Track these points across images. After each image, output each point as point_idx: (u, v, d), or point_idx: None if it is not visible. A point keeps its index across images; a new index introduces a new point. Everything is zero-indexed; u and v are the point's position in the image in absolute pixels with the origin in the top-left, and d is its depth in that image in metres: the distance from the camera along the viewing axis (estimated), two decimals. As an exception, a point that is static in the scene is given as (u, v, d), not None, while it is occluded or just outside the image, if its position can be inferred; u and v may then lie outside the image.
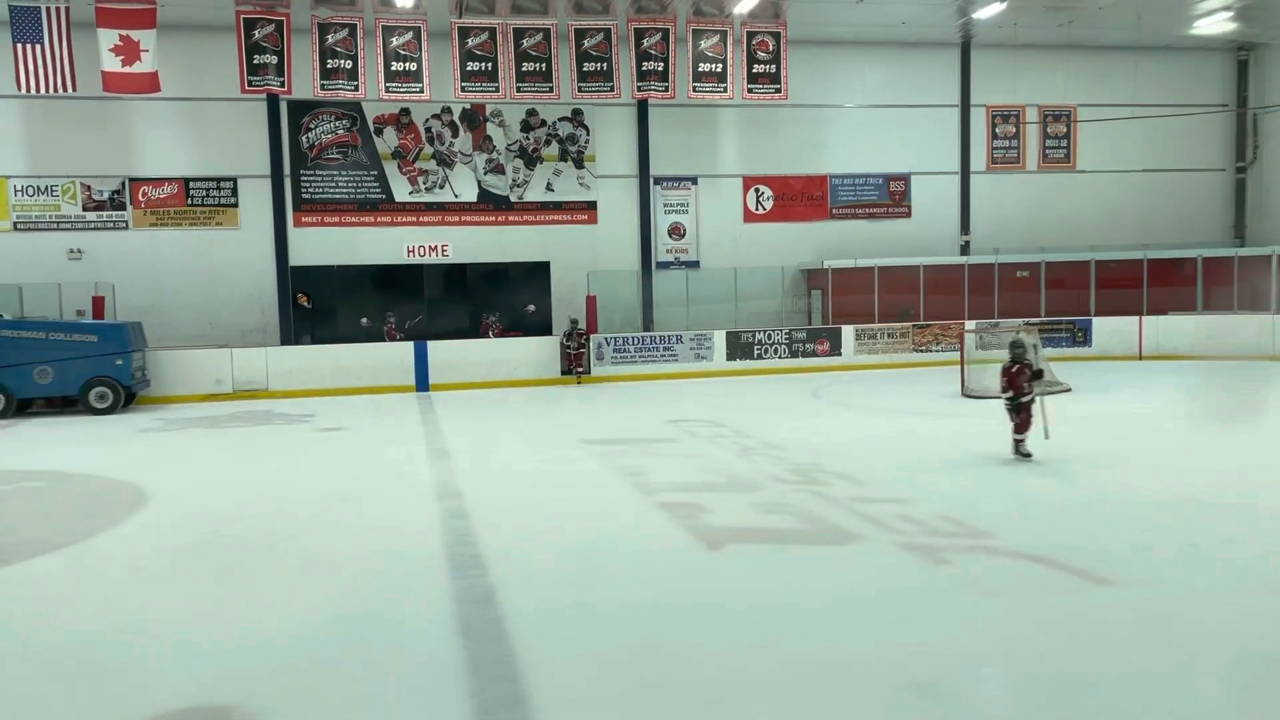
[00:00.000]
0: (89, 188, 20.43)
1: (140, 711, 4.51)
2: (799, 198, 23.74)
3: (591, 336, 20.66)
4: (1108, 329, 22.54)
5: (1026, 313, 22.59)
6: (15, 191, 20.14)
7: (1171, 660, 4.86)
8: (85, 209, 20.42)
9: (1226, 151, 25.70)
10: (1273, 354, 20.60)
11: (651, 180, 22.88)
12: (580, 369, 19.69)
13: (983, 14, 21.29)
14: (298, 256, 21.17)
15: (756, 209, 23.60)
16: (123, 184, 20.60)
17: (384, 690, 4.72)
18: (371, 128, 21.36)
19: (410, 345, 19.53)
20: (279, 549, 7.53)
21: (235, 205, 21.00)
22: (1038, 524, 7.50)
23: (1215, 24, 22.45)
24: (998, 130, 24.40)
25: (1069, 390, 16.09)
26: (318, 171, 21.22)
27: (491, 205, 22.03)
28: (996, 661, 4.87)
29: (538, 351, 20.24)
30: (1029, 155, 24.60)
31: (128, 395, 17.02)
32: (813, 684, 4.63)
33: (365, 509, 8.92)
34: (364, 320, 20.89)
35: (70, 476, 10.95)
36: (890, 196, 24.12)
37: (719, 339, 21.26)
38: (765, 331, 21.59)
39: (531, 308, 21.17)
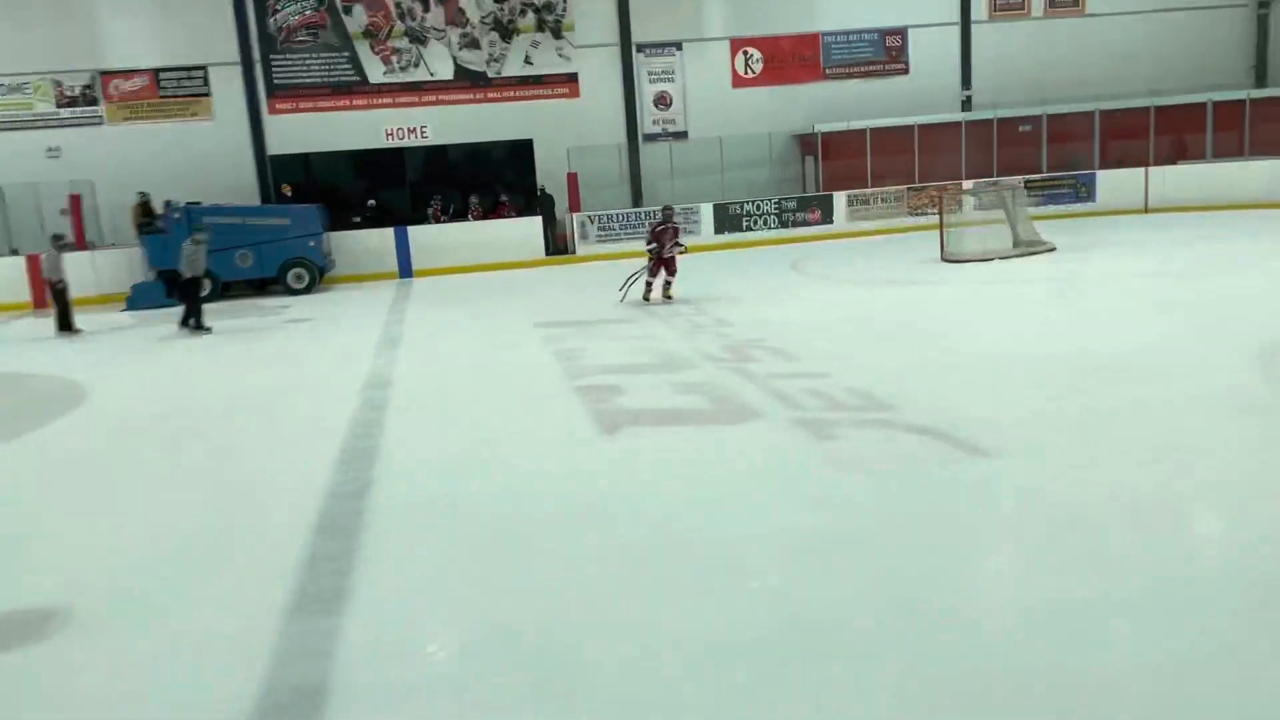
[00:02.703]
0: (60, 84, 20.13)
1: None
2: (790, 59, 22.75)
3: (575, 215, 20.30)
4: (1112, 182, 21.71)
5: (1028, 169, 21.75)
6: (-14, 92, 19.91)
7: (1009, 537, 4.72)
8: (59, 105, 20.18)
9: (1249, -15, 24.10)
10: (1286, 201, 19.75)
11: (634, 48, 22.02)
12: (670, 275, 13.68)
13: None
14: (275, 145, 20.86)
15: (745, 73, 22.69)
16: (93, 78, 20.26)
17: (211, 588, 4.74)
18: (340, 6, 20.66)
19: (391, 231, 19.34)
20: (185, 445, 7.58)
21: (208, 95, 20.61)
22: (950, 395, 7.30)
23: None
24: (1000, -26, 23.01)
25: (1053, 249, 15.63)
26: (289, 56, 20.68)
27: (469, 83, 21.40)
28: (827, 543, 4.75)
29: (521, 233, 19.96)
30: (1034, 1, 23.23)
31: (320, 274, 17.73)
32: (628, 564, 4.57)
33: (291, 402, 8.95)
34: (368, 205, 20.47)
35: (23, 376, 11.09)
36: (886, 53, 23.04)
37: (706, 212, 20.80)
38: (754, 202, 21.08)
39: (505, 199, 20.73)
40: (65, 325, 14.07)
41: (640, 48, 22.05)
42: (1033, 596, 4.05)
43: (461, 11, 21.13)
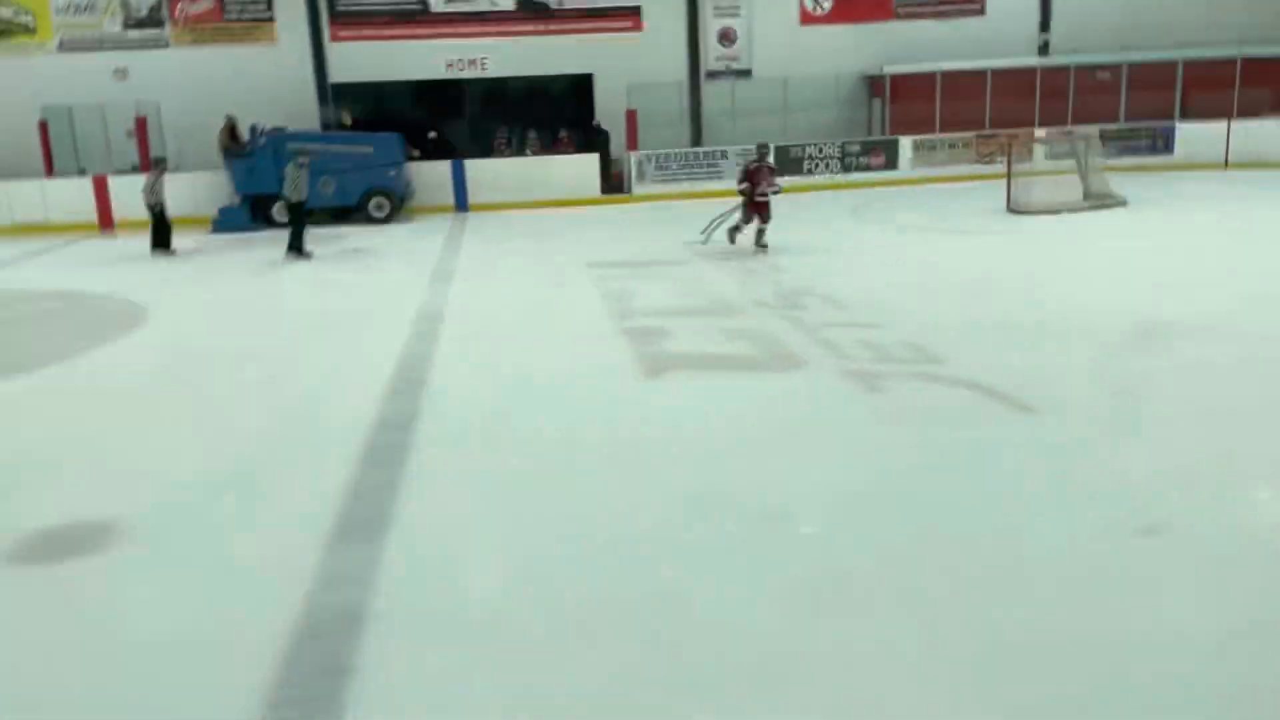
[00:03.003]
0: (128, 4, 20.27)
1: (17, 524, 4.74)
2: (861, -3, 22.05)
3: (632, 154, 20.09)
4: (1193, 135, 20.86)
5: (1105, 118, 20.92)
6: (57, 11, 20.13)
7: (1051, 497, 4.64)
8: (126, 26, 20.35)
9: (1356, -71, 22.70)
10: (1375, 161, 18.83)
11: (701, -19, 21.51)
12: (763, 223, 12.41)
13: None
14: (336, 73, 20.86)
15: (814, 10, 22.06)
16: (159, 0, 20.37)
17: (256, 512, 4.86)
18: (405, -68, 20.45)
19: (448, 164, 19.32)
20: (237, 372, 7.73)
21: (272, 20, 20.62)
22: (1001, 349, 7.16)
23: None
24: (1087, -88, 21.97)
25: (1124, 204, 15.13)
26: (352, -18, 20.58)
27: (531, 14, 21.10)
28: (858, 494, 4.72)
29: (578, 170, 19.82)
30: (1123, -61, 22.17)
31: (400, 204, 17.81)
32: (666, 508, 4.58)
33: (343, 332, 9.06)
34: (428, 136, 20.36)
35: (86, 297, 11.37)
36: (962, -8, 22.22)
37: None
38: (816, 145, 20.63)
39: (564, 134, 20.52)
40: (162, 244, 14.48)
41: (707, -20, 21.53)
42: (1072, 561, 3.99)
43: (526, -61, 20.79)
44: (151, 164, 14.79)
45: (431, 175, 19.30)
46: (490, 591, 3.99)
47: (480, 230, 16.40)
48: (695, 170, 20.23)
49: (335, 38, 20.75)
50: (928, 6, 22.23)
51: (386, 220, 17.48)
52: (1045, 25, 22.45)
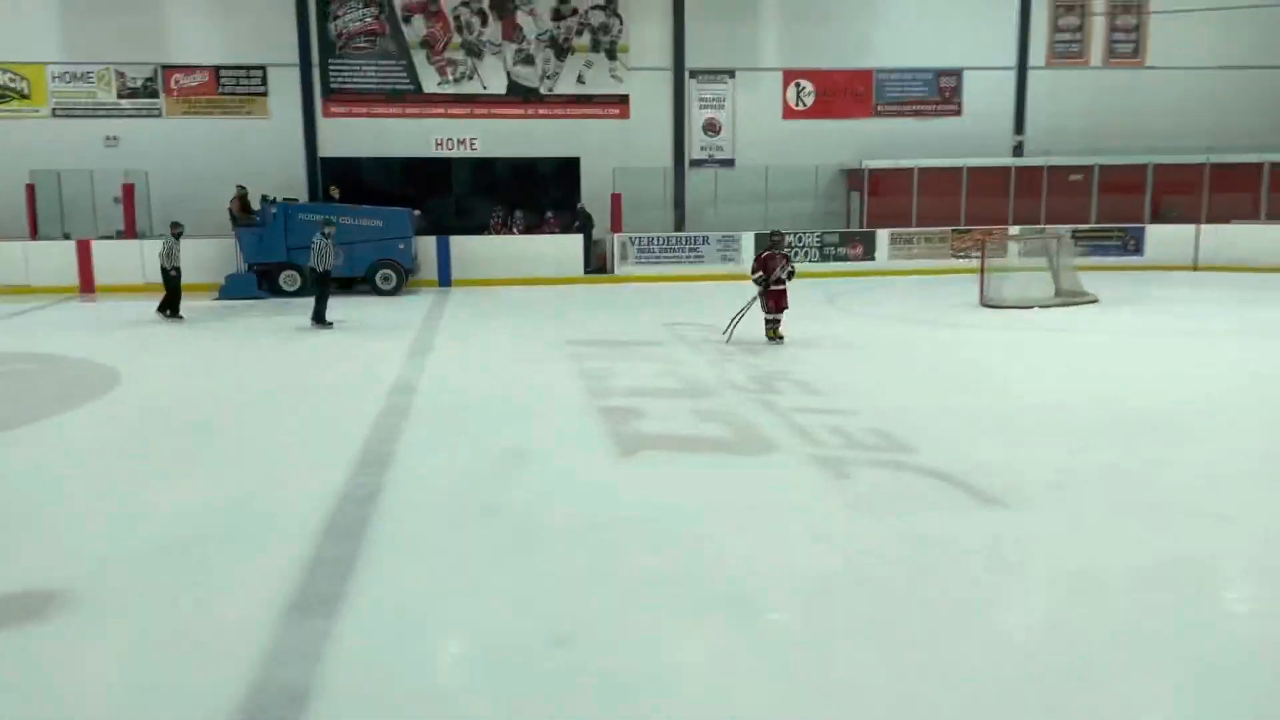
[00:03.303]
0: (123, 74, 20.59)
1: (-29, 593, 4.62)
2: (842, 94, 22.71)
3: (616, 235, 20.37)
4: (1162, 237, 21.40)
5: (1076, 219, 21.51)
6: (53, 78, 20.41)
7: (1015, 595, 4.62)
8: (120, 96, 20.63)
9: (1315, 47, 23.70)
10: (1339, 268, 19.32)
11: (687, 73, 22.11)
12: (777, 312, 11.92)
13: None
14: (327, 148, 21.18)
15: (796, 105, 22.69)
16: (155, 71, 20.71)
17: (209, 584, 4.76)
18: (400, 15, 20.98)
19: (433, 239, 19.51)
20: (202, 440, 7.65)
21: (265, 94, 20.98)
22: (971, 441, 7.18)
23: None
24: (1060, 22, 22.85)
25: (1095, 301, 15.41)
26: (346, 60, 21.01)
27: (521, 97, 21.60)
28: (830, 585, 4.68)
29: (561, 249, 20.06)
30: (1093, 50, 23.04)
31: (407, 277, 18.15)
32: (634, 588, 4.52)
33: (315, 402, 9.03)
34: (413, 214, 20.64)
35: (60, 360, 11.29)
36: (940, 93, 22.93)
37: (747, 240, 20.76)
38: (796, 234, 21.00)
39: (551, 215, 20.83)
40: (171, 308, 14.61)
41: (693, 73, 22.14)
42: (1034, 660, 3.95)
43: (519, 28, 21.36)
44: (170, 228, 15.00)
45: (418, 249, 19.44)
46: (445, 672, 3.90)
47: (462, 306, 16.48)
48: (678, 254, 20.52)
49: (327, 114, 21.11)
50: (907, 105, 22.90)
51: (393, 292, 17.77)
52: (1020, 127, 23.15)
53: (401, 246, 18.01)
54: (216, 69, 20.80)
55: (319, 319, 13.77)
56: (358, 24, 20.92)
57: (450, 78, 21.32)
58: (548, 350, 11.70)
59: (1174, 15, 22.54)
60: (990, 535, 5.26)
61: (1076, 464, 6.59)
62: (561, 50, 21.55)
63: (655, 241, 20.52)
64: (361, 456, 6.97)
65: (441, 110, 21.42)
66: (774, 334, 11.78)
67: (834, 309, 15.75)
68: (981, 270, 15.67)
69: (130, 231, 19.40)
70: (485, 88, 21.47)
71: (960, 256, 21.05)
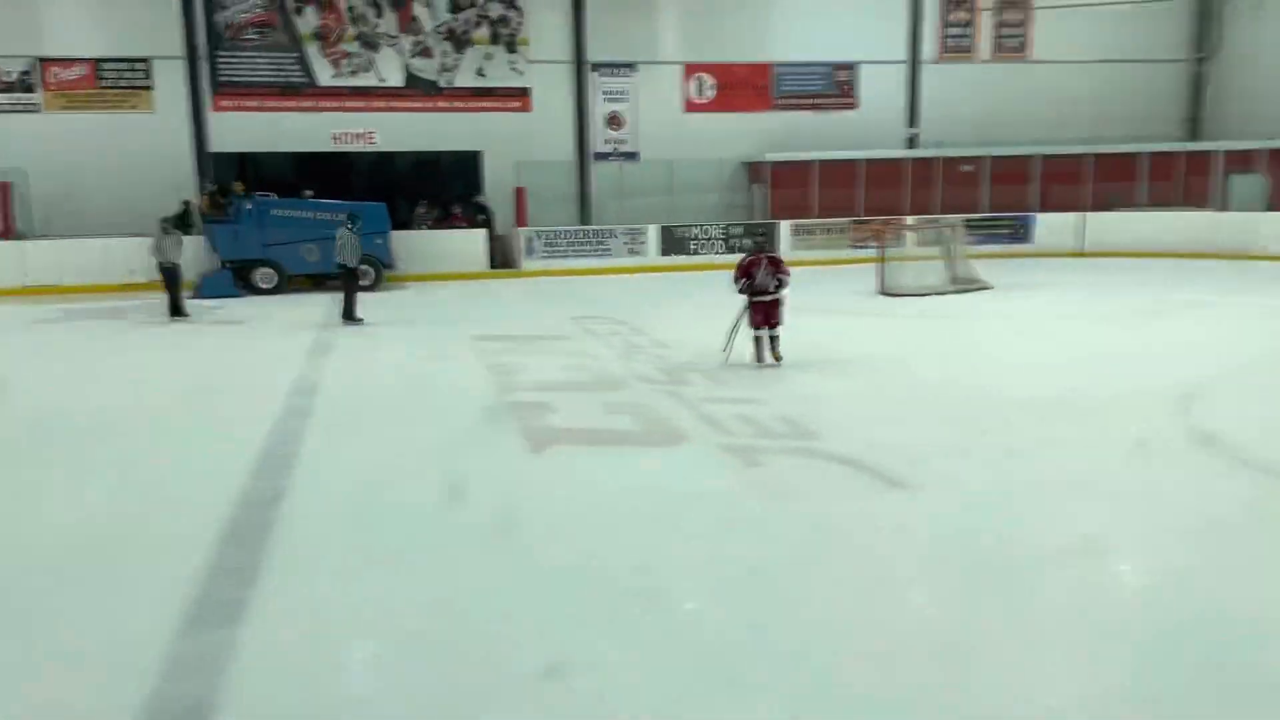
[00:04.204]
0: (-5, 67, 19.54)
1: None
2: (742, 87, 22.95)
3: (521, 230, 20.20)
4: (1050, 225, 22.23)
5: (969, 208, 22.18)
6: (-84, 71, 19.25)
7: (922, 574, 4.73)
8: (-8, 90, 19.58)
9: (1185, 41, 24.90)
10: (1214, 251, 20.35)
11: (589, 66, 22.04)
12: (766, 327, 9.76)
13: (932, -109, 20.29)
14: (217, 142, 20.46)
15: (698, 98, 22.84)
16: (32, 65, 19.69)
17: (104, 596, 4.55)
18: (291, 6, 20.38)
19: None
20: (95, 446, 7.33)
21: (150, 88, 20.14)
22: (875, 426, 7.33)
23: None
24: (950, 17, 23.52)
25: (989, 288, 15.91)
26: (236, 53, 20.33)
27: (420, 91, 21.22)
28: (744, 573, 4.72)
29: (464, 245, 19.81)
30: (982, 44, 23.79)
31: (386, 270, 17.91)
32: (544, 585, 4.49)
33: (212, 405, 8.73)
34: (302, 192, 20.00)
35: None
36: (837, 87, 23.37)
37: (653, 233, 20.85)
38: (701, 226, 21.18)
39: (457, 209, 20.50)
40: (173, 309, 14.04)
41: (594, 66, 22.08)
42: (940, 636, 4.05)
43: (415, 19, 20.97)
44: (158, 224, 14.72)
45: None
46: (353, 679, 3.80)
47: (364, 303, 16.08)
48: (583, 248, 20.48)
49: (217, 108, 20.39)
50: (805, 99, 23.27)
51: (370, 288, 17.13)
52: (913, 120, 23.75)
53: (379, 241, 17.66)
54: (97, 62, 19.88)
55: (349, 316, 13.49)
56: (246, 15, 20.25)
57: (345, 70, 20.81)
58: (454, 347, 11.53)
59: (1057, 11, 23.41)
60: (895, 518, 5.38)
61: (974, 445, 6.79)
62: (460, 42, 21.24)
63: (561, 235, 20.43)
64: (260, 460, 6.76)
65: (337, 103, 20.90)
66: (762, 353, 9.61)
67: (738, 300, 15.89)
68: (881, 259, 16.04)
69: (8, 232, 18.44)
70: (383, 80, 21.03)
71: (860, 247, 21.47)
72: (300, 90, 20.65)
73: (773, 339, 9.67)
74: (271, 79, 20.53)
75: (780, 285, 9.67)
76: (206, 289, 16.86)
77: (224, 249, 17.25)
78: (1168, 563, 4.84)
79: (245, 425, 7.73)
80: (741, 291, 9.78)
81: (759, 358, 9.62)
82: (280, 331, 13.17)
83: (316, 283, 17.38)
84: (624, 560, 4.85)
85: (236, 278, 17.13)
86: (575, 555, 4.92)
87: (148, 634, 4.06)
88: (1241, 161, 21.59)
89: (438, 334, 12.64)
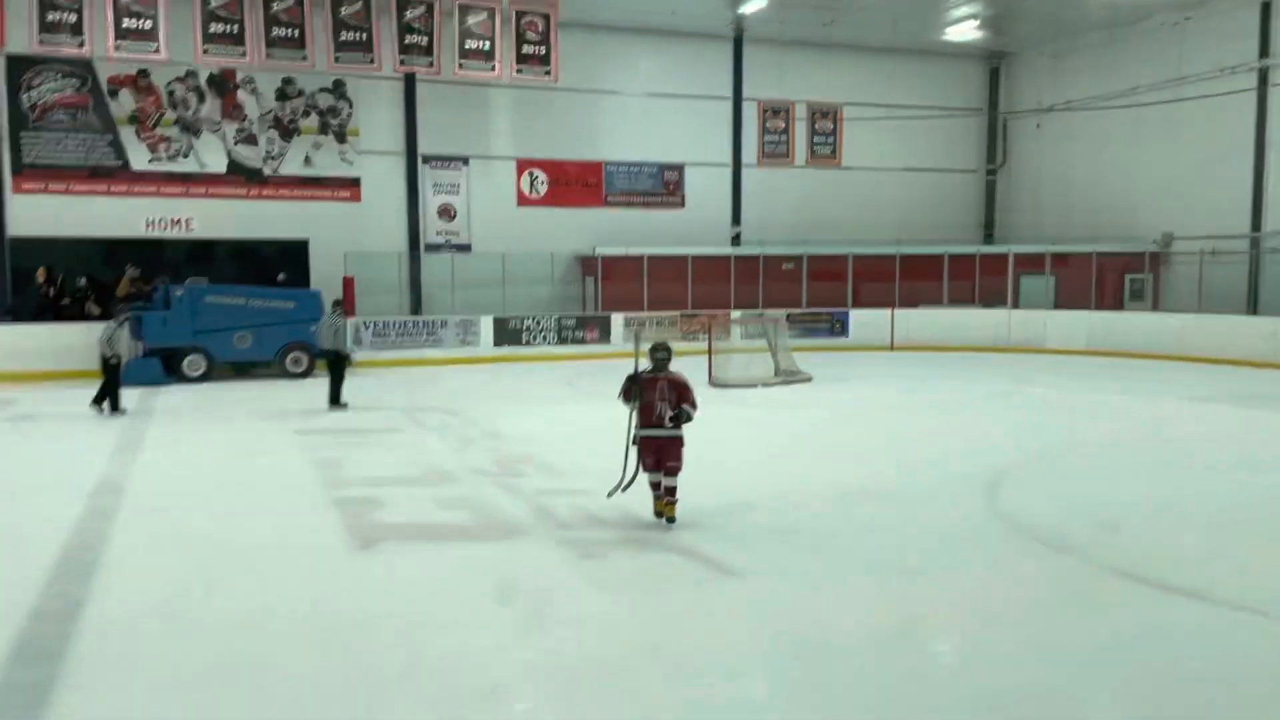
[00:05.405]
0: None
1: None
2: (574, 183, 23.50)
3: (350, 320, 19.71)
4: (863, 320, 23.54)
5: (790, 303, 23.26)
6: None
7: (757, 662, 4.83)
8: None
9: (978, 154, 27.33)
10: (1006, 345, 22.06)
11: (420, 159, 22.05)
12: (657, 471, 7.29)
13: (748, 8, 21.68)
14: (18, 226, 19.13)
15: (530, 193, 23.20)
16: None
17: None
18: (105, 88, 19.54)
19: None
20: None
21: (-59, 167, 18.77)
22: (708, 514, 7.47)
23: (965, 31, 23.71)
24: (769, 125, 24.97)
25: (809, 379, 16.64)
26: (42, 133, 19.24)
27: (243, 178, 20.62)
28: (573, 667, 4.68)
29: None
30: (798, 150, 25.29)
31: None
32: (372, 690, 4.30)
33: (3, 507, 8.00)
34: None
35: None
36: (665, 186, 24.27)
37: (486, 324, 20.80)
38: (534, 318, 21.31)
39: (282, 276, 19.82)
40: (112, 402, 13.02)
41: (426, 159, 22.11)
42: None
43: (240, 106, 20.50)
44: (116, 312, 13.73)
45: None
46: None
47: (177, 395, 15.26)
48: (414, 338, 20.19)
49: (19, 189, 19.14)
50: (635, 196, 24.02)
51: (303, 375, 17.20)
52: (737, 219, 24.88)
53: (313, 329, 16.81)
54: (-120, 137, 18.40)
55: (335, 400, 13.46)
56: (56, 95, 19.26)
57: (164, 155, 20.02)
58: (277, 440, 11.08)
59: (861, 122, 25.28)
60: (729, 603, 5.49)
61: (803, 531, 7.04)
62: (287, 131, 20.87)
63: (391, 325, 20.09)
64: (56, 568, 6.23)
65: (154, 189, 20.01)
66: (661, 506, 7.18)
67: (574, 391, 16.03)
68: (709, 352, 16.56)
69: None
70: (203, 166, 20.33)
71: (689, 339, 22.10)
72: (113, 174, 19.69)
73: (666, 490, 7.15)
74: (82, 161, 19.49)
75: (679, 418, 7.22)
76: (131, 376, 15.61)
77: (151, 335, 16.69)
78: (987, 639, 5.12)
79: (39, 530, 7.12)
80: (632, 409, 7.27)
81: (657, 512, 7.17)
82: (87, 426, 12.25)
83: (239, 370, 17.34)
84: (455, 662, 4.72)
85: (166, 365, 16.65)
86: (404, 658, 4.76)
87: (-82, 768, 3.65)
88: (1030, 264, 23.67)
89: (257, 426, 12.10)
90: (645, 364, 7.40)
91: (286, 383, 16.81)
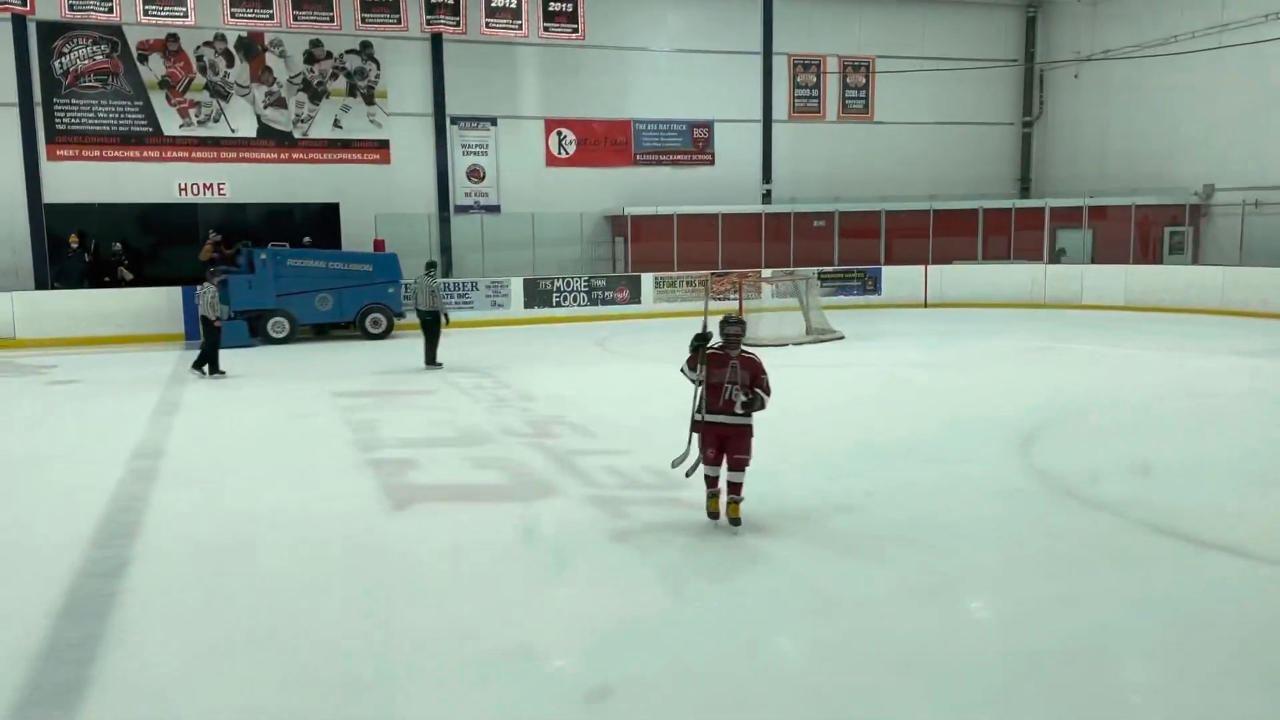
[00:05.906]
0: None
1: None
2: (603, 142, 23.34)
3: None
4: (896, 277, 23.32)
5: (822, 261, 23.08)
6: None
7: (789, 623, 4.85)
8: None
9: (1014, 106, 26.78)
10: (1041, 301, 21.78)
11: (448, 120, 21.99)
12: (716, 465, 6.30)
13: (779, -40, 21.31)
14: (53, 193, 19.37)
15: (559, 153, 23.09)
16: None
17: (-78, 685, 4.19)
18: (135, 54, 19.62)
19: (179, 290, 18.23)
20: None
21: (-23, 135, 18.98)
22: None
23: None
24: (799, 79, 24.62)
25: (841, 338, 16.54)
26: (74, 100, 19.38)
27: (273, 141, 20.70)
28: (615, 626, 4.73)
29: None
30: (829, 105, 24.95)
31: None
32: (410, 649, 4.38)
33: (47, 471, 8.17)
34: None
35: None
36: (694, 144, 24.04)
37: (516, 286, 20.83)
38: (564, 279, 21.30)
39: (308, 240, 19.91)
40: (212, 364, 13.40)
41: (454, 120, 22.05)
42: (813, 682, 4.16)
43: (268, 70, 20.51)
44: (208, 276, 13.91)
45: (158, 302, 18.16)
46: (207, 755, 3.62)
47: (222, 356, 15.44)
48: (446, 300, 20.20)
49: (53, 157, 19.34)
50: (664, 154, 23.84)
51: (382, 336, 17.98)
52: (767, 176, 24.63)
53: (391, 290, 18.25)
54: (-82, 107, 18.62)
55: (431, 360, 13.85)
56: (87, 62, 19.36)
57: (194, 120, 20.12)
58: (314, 403, 11.19)
59: (894, 76, 24.85)
60: (759, 565, 5.50)
61: (836, 489, 7.03)
62: (316, 94, 20.88)
63: (422, 288, 20.16)
64: (101, 529, 6.37)
65: (185, 154, 20.15)
66: (716, 506, 6.23)
67: (605, 352, 16.05)
68: (740, 311, 16.47)
69: None
70: (234, 130, 20.42)
71: (720, 299, 21.99)
72: (145, 139, 19.83)
73: (731, 487, 6.17)
74: (113, 128, 19.64)
75: (752, 405, 6.20)
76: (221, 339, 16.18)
77: (237, 298, 16.97)
78: (1017, 595, 5.11)
79: (86, 490, 7.28)
80: (694, 381, 6.43)
81: (711, 512, 6.23)
82: (124, 392, 12.45)
83: (319, 331, 18.10)
84: (490, 620, 4.78)
85: (251, 327, 17.17)
86: (441, 617, 4.82)
87: (-26, 723, 3.77)
88: (1067, 217, 23.26)
89: (295, 391, 12.23)
90: (713, 327, 6.38)
91: (366, 344, 17.27)
